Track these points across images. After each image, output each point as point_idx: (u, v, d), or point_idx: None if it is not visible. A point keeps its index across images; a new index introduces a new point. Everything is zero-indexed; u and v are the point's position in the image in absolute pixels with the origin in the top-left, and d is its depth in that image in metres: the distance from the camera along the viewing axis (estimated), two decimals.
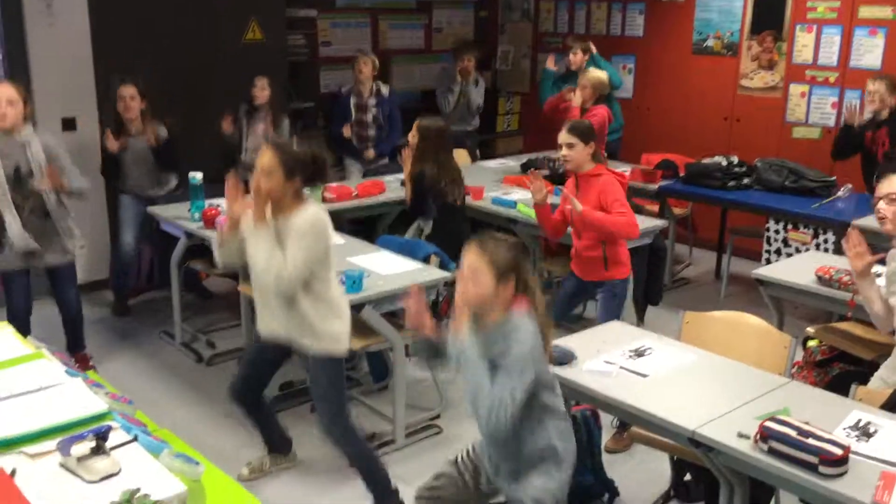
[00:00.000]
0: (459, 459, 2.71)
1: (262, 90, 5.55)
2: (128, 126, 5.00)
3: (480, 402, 2.41)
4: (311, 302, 3.10)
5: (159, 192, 5.21)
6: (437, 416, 4.12)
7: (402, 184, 5.00)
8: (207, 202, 4.57)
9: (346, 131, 6.10)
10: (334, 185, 5.33)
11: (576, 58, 6.24)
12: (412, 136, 4.68)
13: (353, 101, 6.11)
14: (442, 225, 4.65)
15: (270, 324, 3.20)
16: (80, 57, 5.32)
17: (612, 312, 4.01)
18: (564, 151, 3.94)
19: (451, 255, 4.58)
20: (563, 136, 3.94)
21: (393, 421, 3.90)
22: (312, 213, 3.06)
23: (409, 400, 3.96)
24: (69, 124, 5.27)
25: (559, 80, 6.42)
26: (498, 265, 2.43)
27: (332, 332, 3.16)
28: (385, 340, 3.80)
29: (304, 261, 3.00)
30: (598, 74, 5.52)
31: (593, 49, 6.32)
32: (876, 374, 3.09)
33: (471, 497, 2.67)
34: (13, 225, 3.96)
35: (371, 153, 6.15)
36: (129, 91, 4.94)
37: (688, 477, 3.39)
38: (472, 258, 2.46)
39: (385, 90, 6.15)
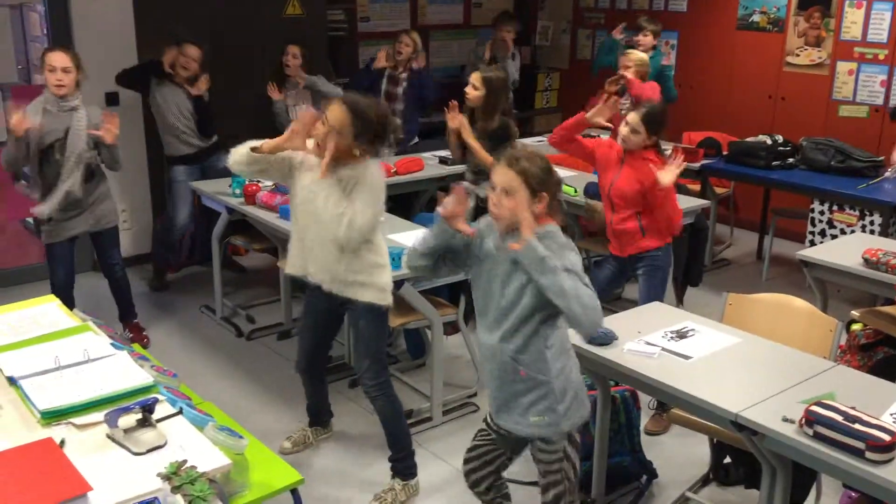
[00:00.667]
0: (487, 416, 2.73)
1: (294, 58, 5.50)
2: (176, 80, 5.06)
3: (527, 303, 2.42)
4: (364, 253, 3.10)
5: (203, 144, 5.22)
6: (474, 394, 4.13)
7: (447, 144, 4.73)
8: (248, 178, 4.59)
9: None
10: None
11: (646, 39, 5.97)
12: (474, 90, 4.44)
13: (387, 71, 6.00)
14: None
15: (304, 266, 3.18)
16: (124, 32, 5.37)
17: (657, 287, 3.93)
18: (627, 132, 3.76)
19: None
20: (634, 119, 3.76)
21: (430, 398, 3.92)
22: (377, 167, 3.05)
23: (445, 377, 3.97)
24: (112, 99, 5.33)
25: (604, 52, 6.32)
26: (532, 181, 2.41)
27: (380, 283, 3.16)
28: (424, 318, 3.80)
29: (375, 214, 3.01)
30: (640, 55, 5.37)
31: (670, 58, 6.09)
32: None
33: (504, 445, 2.69)
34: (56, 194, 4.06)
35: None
36: (195, 52, 5.00)
37: (727, 460, 3.37)
38: (505, 173, 2.43)
39: (416, 64, 6.00)
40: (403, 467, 3.37)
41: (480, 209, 4.46)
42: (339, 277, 3.13)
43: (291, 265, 3.26)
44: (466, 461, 2.77)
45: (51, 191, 4.09)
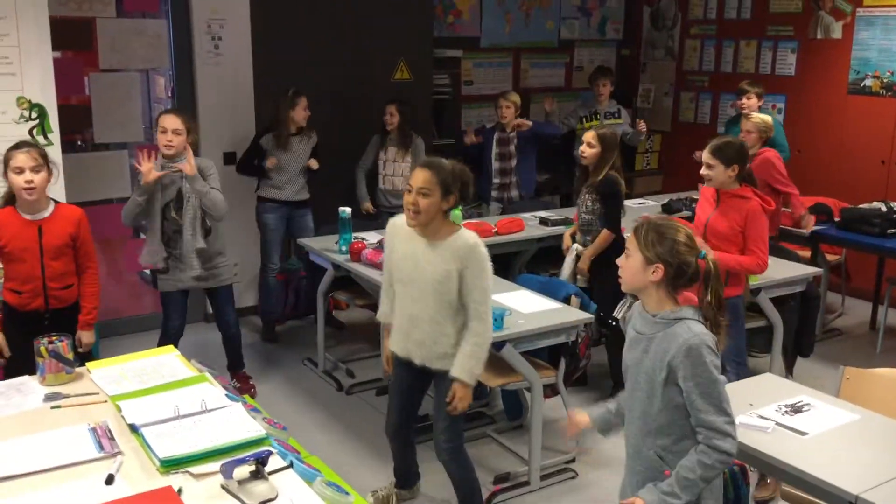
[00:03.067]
0: None
1: (391, 116, 5.72)
2: (289, 131, 5.34)
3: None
4: (461, 328, 3.16)
5: (298, 198, 5.47)
6: (573, 460, 4.06)
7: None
8: (354, 235, 4.73)
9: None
10: (474, 221, 5.40)
11: (750, 102, 5.92)
12: (589, 148, 4.53)
13: (496, 135, 6.16)
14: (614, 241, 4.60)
15: (407, 345, 3.26)
16: (243, 94, 5.66)
17: (733, 337, 3.85)
18: (705, 171, 3.94)
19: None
20: (705, 155, 3.94)
21: (528, 462, 3.87)
22: (471, 236, 3.13)
23: (543, 441, 3.91)
24: (230, 158, 5.59)
25: (731, 124, 6.28)
26: (646, 251, 2.35)
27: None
28: (523, 379, 3.79)
29: (489, 294, 3.14)
30: (763, 117, 5.25)
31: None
32: None
33: None
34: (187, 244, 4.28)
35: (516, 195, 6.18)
36: (305, 102, 5.31)
37: None
38: (629, 239, 2.43)
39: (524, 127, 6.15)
40: None
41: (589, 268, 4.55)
42: (435, 352, 3.19)
43: (395, 342, 3.33)
44: None
45: (167, 246, 4.31)
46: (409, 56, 6.34)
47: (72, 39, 5.14)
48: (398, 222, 3.27)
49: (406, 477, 3.72)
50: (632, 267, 2.38)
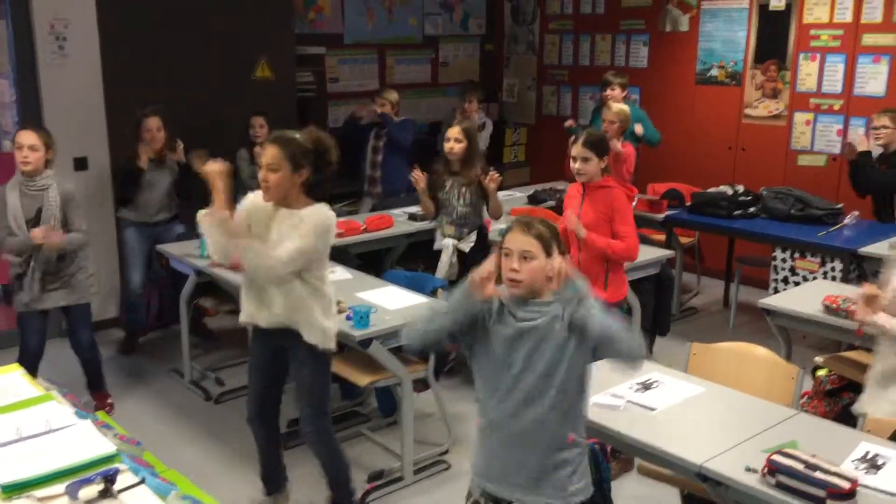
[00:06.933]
0: None
1: (261, 128, 5.64)
2: (148, 157, 5.13)
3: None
4: (309, 295, 3.13)
5: (160, 217, 5.27)
6: (446, 452, 4.11)
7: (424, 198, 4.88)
8: None
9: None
10: (342, 219, 5.37)
11: (614, 93, 6.10)
12: (457, 143, 4.66)
13: (373, 130, 6.18)
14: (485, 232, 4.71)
15: (257, 313, 3.20)
16: (92, 97, 5.41)
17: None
18: (579, 165, 3.94)
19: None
20: (578, 150, 3.93)
21: (401, 457, 3.89)
22: (323, 209, 3.12)
23: (416, 435, 3.95)
24: (81, 163, 5.35)
25: (595, 113, 6.48)
26: (545, 242, 2.41)
27: (324, 327, 3.18)
28: (393, 376, 3.80)
29: (300, 250, 3.03)
30: (623, 107, 5.47)
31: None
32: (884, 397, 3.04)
33: None
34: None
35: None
36: (155, 123, 5.09)
37: None
38: (521, 238, 2.42)
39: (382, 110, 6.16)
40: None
41: (461, 260, 4.61)
42: (285, 319, 3.16)
43: (244, 310, 3.27)
44: None
45: (27, 265, 4.10)
46: (270, 54, 6.22)
47: None
48: (256, 198, 3.20)
49: (273, 479, 3.60)
50: (537, 268, 2.40)
